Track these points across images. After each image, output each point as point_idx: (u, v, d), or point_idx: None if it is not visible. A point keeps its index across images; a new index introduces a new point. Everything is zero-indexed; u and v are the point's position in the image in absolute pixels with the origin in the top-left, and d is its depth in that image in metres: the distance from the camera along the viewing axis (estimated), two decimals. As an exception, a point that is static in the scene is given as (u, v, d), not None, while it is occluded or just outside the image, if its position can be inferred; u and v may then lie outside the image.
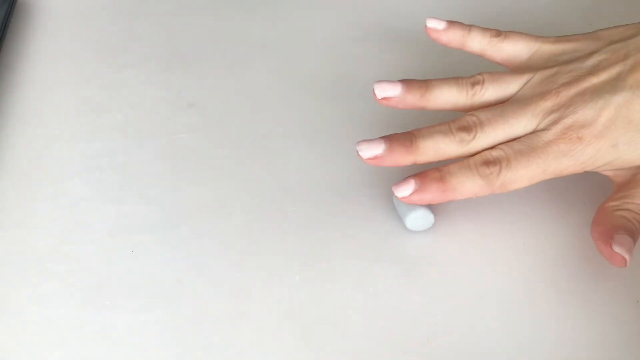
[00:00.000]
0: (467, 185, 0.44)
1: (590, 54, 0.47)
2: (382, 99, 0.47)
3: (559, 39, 0.49)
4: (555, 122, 0.44)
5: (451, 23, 0.50)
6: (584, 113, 0.44)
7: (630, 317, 0.43)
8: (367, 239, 0.47)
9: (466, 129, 0.45)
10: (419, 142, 0.45)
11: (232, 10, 0.62)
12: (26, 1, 0.62)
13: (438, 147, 0.45)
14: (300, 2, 0.62)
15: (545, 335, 0.43)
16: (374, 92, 0.47)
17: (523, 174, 0.44)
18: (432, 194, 0.44)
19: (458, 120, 0.46)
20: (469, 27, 0.50)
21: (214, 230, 0.48)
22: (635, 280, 0.44)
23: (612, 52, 0.46)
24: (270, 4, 0.62)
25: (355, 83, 0.56)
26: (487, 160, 0.44)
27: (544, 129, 0.45)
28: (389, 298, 0.44)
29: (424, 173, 0.45)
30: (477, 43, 0.50)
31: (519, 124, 0.45)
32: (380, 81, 0.48)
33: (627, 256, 0.41)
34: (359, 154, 0.45)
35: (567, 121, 0.44)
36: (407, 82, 0.48)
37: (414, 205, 0.46)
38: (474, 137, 0.45)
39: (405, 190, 0.44)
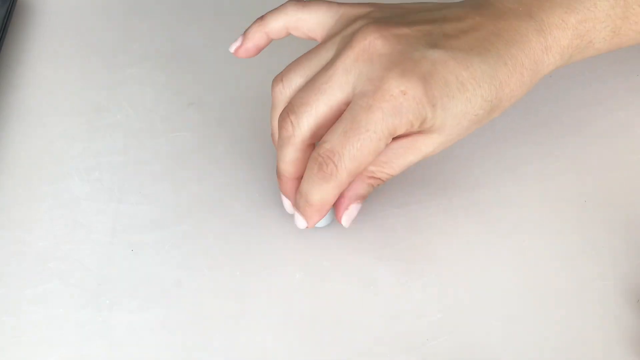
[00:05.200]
0: (324, 196, 0.42)
1: (405, 12, 0.43)
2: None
3: (365, 3, 0.45)
4: (372, 80, 0.40)
5: (245, 33, 0.47)
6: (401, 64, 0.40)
7: (630, 317, 0.43)
8: (367, 237, 0.47)
9: (283, 127, 0.42)
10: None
11: (231, 9, 0.62)
12: (26, 1, 0.62)
13: (286, 159, 0.43)
14: (300, 1, 0.62)
15: (545, 335, 0.43)
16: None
17: (361, 153, 0.40)
18: (314, 218, 0.44)
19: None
20: (260, 18, 0.47)
21: (214, 229, 0.48)
22: (635, 280, 0.44)
23: (426, 11, 0.43)
24: (270, 3, 0.62)
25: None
26: (320, 163, 0.41)
27: (364, 94, 0.40)
28: (389, 297, 0.44)
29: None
30: (277, 23, 0.46)
31: (333, 87, 0.41)
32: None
33: (347, 225, 0.44)
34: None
35: (387, 76, 0.40)
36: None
37: None
38: (293, 125, 0.42)
39: (302, 224, 0.44)
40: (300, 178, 0.44)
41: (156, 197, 0.49)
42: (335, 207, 0.45)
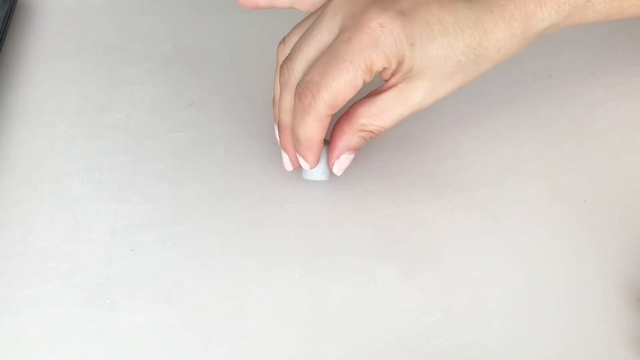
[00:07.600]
0: (307, 129, 0.44)
1: None
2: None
3: None
4: (354, 15, 0.42)
5: None
6: (382, 1, 0.42)
7: (630, 317, 0.43)
8: (367, 237, 0.47)
9: (281, 74, 0.45)
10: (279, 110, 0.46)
11: (232, 9, 0.62)
12: (26, 1, 0.62)
13: (284, 106, 0.45)
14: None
15: (545, 335, 0.43)
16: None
17: (338, 84, 0.42)
18: (308, 156, 0.45)
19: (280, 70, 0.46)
20: None
21: (214, 228, 0.48)
22: (635, 280, 0.44)
23: None
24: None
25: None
26: (299, 95, 0.43)
27: (345, 28, 0.42)
28: (389, 296, 0.44)
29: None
30: None
31: (321, 31, 0.43)
32: None
33: (338, 174, 0.46)
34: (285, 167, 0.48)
35: (367, 10, 0.42)
36: None
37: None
38: (289, 70, 0.44)
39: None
40: (284, 127, 0.46)
41: (156, 197, 0.49)
42: (328, 156, 0.46)
